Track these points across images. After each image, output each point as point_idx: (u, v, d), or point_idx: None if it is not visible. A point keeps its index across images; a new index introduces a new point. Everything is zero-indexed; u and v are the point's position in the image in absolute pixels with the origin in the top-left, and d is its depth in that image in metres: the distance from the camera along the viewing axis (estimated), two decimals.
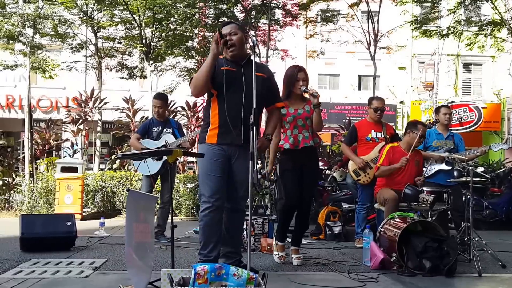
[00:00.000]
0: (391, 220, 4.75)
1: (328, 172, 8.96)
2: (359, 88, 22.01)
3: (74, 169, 8.73)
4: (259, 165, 9.56)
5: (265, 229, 5.63)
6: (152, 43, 12.01)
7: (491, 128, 19.99)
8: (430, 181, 5.61)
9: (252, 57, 3.74)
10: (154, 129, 6.14)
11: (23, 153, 11.82)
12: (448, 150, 5.68)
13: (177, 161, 8.80)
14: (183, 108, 13.24)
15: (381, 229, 4.79)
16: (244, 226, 4.47)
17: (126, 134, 13.28)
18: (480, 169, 8.35)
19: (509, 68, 14.67)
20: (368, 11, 12.18)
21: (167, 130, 6.14)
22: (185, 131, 6.94)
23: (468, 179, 4.94)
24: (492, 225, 8.27)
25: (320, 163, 7.92)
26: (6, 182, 9.94)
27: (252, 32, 12.15)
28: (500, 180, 9.39)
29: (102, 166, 13.76)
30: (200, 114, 11.74)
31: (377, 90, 13.90)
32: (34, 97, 16.72)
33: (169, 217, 5.05)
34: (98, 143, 13.57)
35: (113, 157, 12.75)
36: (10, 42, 11.78)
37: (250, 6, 12.00)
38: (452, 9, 11.75)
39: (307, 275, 4.19)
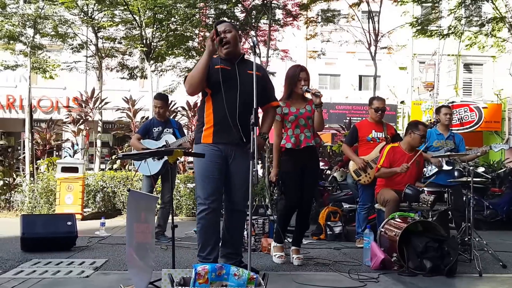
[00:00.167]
0: (392, 220, 4.75)
1: (328, 172, 8.97)
2: (360, 88, 22.01)
3: (74, 169, 8.73)
4: (259, 165, 9.55)
5: (265, 229, 5.63)
6: (152, 43, 12.01)
7: (491, 128, 19.99)
8: (430, 181, 5.61)
9: (245, 56, 3.75)
10: (154, 129, 6.14)
11: (24, 153, 11.82)
12: (448, 150, 5.68)
13: (177, 161, 8.81)
14: (183, 108, 13.25)
15: (382, 229, 4.79)
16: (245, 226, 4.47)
17: (127, 134, 13.28)
18: (480, 169, 8.37)
19: (509, 68, 14.67)
20: (368, 11, 12.16)
21: (167, 130, 6.15)
22: (185, 131, 6.95)
23: (468, 179, 4.95)
24: (493, 225, 8.27)
25: (321, 163, 7.93)
26: (6, 182, 9.95)
27: (252, 32, 12.14)
28: (501, 180, 9.39)
29: (102, 166, 13.77)
30: None
31: (378, 90, 13.87)
32: (34, 97, 16.72)
33: (170, 217, 5.05)
34: (98, 143, 13.57)
35: (113, 157, 12.76)
36: (11, 42, 11.79)
37: (250, 6, 11.98)
38: (452, 9, 11.74)
39: (308, 275, 4.19)
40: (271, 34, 12.14)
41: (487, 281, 4.21)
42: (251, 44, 3.65)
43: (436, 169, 5.75)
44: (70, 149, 12.35)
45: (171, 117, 9.37)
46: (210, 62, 3.74)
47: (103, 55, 13.69)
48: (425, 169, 5.76)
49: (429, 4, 13.01)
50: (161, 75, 14.43)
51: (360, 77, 22.07)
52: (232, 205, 3.92)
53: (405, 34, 15.02)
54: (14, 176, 10.21)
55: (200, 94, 3.98)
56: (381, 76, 18.52)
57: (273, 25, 12.31)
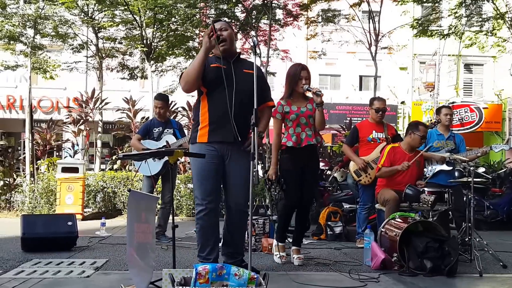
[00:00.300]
0: (392, 220, 4.75)
1: (329, 172, 8.96)
2: (360, 89, 22.02)
3: (75, 170, 8.73)
4: (259, 166, 9.55)
5: (266, 229, 5.63)
6: (153, 44, 12.01)
7: (492, 128, 20.00)
8: (431, 181, 5.61)
9: (245, 56, 3.74)
10: (155, 130, 6.13)
11: (24, 153, 11.82)
12: (449, 150, 5.68)
13: (178, 162, 8.81)
14: (184, 108, 13.25)
15: (382, 229, 4.79)
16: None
17: (127, 135, 13.29)
18: (481, 170, 8.36)
19: (510, 68, 14.69)
20: (369, 11, 12.18)
21: (168, 130, 6.15)
22: (186, 131, 6.94)
23: (469, 180, 4.95)
24: (493, 225, 8.26)
25: (321, 164, 7.93)
26: (7, 182, 9.95)
27: (252, 33, 12.15)
28: (501, 181, 9.38)
29: (103, 166, 13.77)
30: None
31: (378, 90, 13.87)
32: (35, 98, 16.72)
33: (170, 217, 5.05)
34: (99, 143, 13.57)
35: (114, 157, 12.76)
36: (11, 42, 11.78)
37: (251, 6, 11.99)
38: (453, 9, 11.75)
39: (308, 275, 4.19)
40: (272, 34, 12.15)
41: (487, 281, 4.20)
42: (252, 44, 3.64)
43: (438, 169, 5.74)
44: (70, 149, 12.35)
45: (172, 118, 9.38)
46: (206, 59, 3.73)
47: (103, 55, 13.69)
48: (425, 169, 5.76)
49: (430, 4, 13.01)
50: (162, 75, 14.43)
51: (361, 77, 22.08)
52: (231, 204, 3.91)
53: (405, 34, 15.04)
54: (15, 176, 10.21)
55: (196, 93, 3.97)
56: (381, 76, 18.52)
57: (274, 25, 12.31)
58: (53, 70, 12.89)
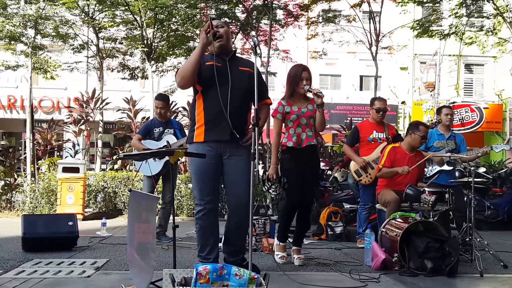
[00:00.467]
0: (393, 221, 4.75)
1: (329, 172, 8.96)
2: (361, 89, 22.02)
3: (75, 170, 8.73)
4: (260, 165, 9.56)
5: (266, 229, 5.63)
6: (153, 44, 12.02)
7: (492, 128, 19.99)
8: (432, 181, 5.60)
9: (245, 55, 3.73)
10: (155, 130, 6.14)
11: (25, 153, 11.83)
12: (449, 150, 5.68)
13: (178, 162, 8.81)
14: (184, 108, 13.25)
15: (383, 229, 4.79)
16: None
17: (128, 135, 13.29)
18: (481, 170, 8.36)
19: (511, 68, 14.67)
20: (369, 11, 12.18)
21: (168, 130, 6.15)
22: (186, 131, 6.93)
23: (469, 180, 4.95)
24: (494, 225, 8.26)
25: (322, 164, 7.92)
26: (8, 182, 9.96)
27: (253, 33, 12.15)
28: (502, 181, 9.38)
29: (103, 166, 13.78)
30: None
31: (379, 90, 13.87)
32: (35, 98, 16.73)
33: (171, 217, 5.06)
34: (99, 143, 13.58)
35: (114, 157, 12.77)
36: (12, 42, 11.79)
37: (251, 6, 11.99)
38: (453, 9, 11.75)
39: (309, 275, 4.19)
40: (272, 34, 12.15)
41: (488, 281, 4.20)
42: (252, 44, 3.63)
43: (437, 169, 5.74)
44: (71, 149, 12.35)
45: (172, 118, 9.38)
46: (203, 55, 3.72)
47: (104, 55, 13.70)
48: (426, 169, 5.76)
49: (430, 5, 13.00)
50: (162, 75, 14.44)
51: (361, 77, 22.08)
52: (232, 201, 3.90)
53: (406, 34, 15.04)
54: (15, 176, 10.22)
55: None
56: (382, 76, 18.54)
57: (274, 25, 12.31)
58: (53, 70, 12.90)
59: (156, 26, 11.79)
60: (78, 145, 13.73)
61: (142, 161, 5.85)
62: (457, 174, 6.73)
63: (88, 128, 13.70)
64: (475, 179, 4.96)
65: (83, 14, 12.66)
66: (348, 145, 6.02)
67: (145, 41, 11.81)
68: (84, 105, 13.26)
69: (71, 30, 12.85)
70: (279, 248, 4.79)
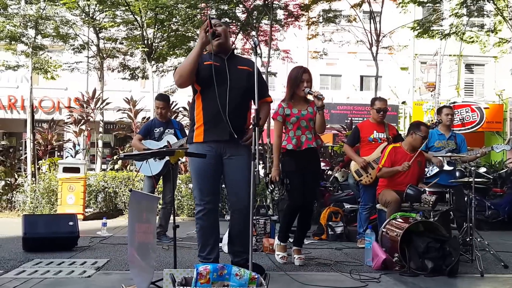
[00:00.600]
0: (393, 221, 4.75)
1: (330, 172, 8.96)
2: (361, 89, 22.02)
3: (76, 170, 8.74)
4: (261, 165, 9.55)
5: (267, 230, 5.63)
6: (154, 44, 12.02)
7: (493, 128, 19.99)
8: (431, 181, 5.60)
9: (245, 55, 3.72)
10: (156, 130, 6.14)
11: (26, 153, 11.84)
12: (450, 150, 5.68)
13: (179, 162, 8.81)
14: (185, 108, 13.26)
15: (383, 230, 4.79)
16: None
17: (128, 135, 13.31)
18: (482, 170, 8.36)
19: (511, 68, 14.66)
20: (370, 11, 12.18)
21: (169, 131, 6.15)
22: (187, 131, 6.94)
23: (470, 180, 4.95)
24: (494, 225, 8.26)
25: (322, 164, 7.92)
26: (8, 182, 9.96)
27: (253, 33, 12.15)
28: (502, 181, 9.38)
29: (104, 166, 13.79)
30: None
31: (379, 90, 13.87)
32: (36, 98, 16.73)
33: (171, 217, 5.06)
34: (100, 143, 13.59)
35: (115, 157, 12.77)
36: (12, 43, 11.79)
37: (252, 6, 11.99)
38: (453, 9, 11.75)
39: (309, 275, 4.19)
40: (272, 34, 12.15)
41: (488, 282, 4.20)
42: (253, 44, 3.62)
43: (438, 169, 5.74)
44: (71, 149, 12.35)
45: (173, 118, 9.39)
46: (202, 54, 3.70)
47: (104, 55, 13.71)
48: (426, 169, 5.76)
49: (430, 5, 13.00)
50: (162, 75, 14.45)
51: (362, 77, 22.08)
52: (234, 202, 3.90)
53: (406, 35, 15.03)
54: (16, 177, 10.23)
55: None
56: (382, 76, 18.53)
57: (274, 25, 12.31)
58: (54, 70, 12.90)
59: (156, 26, 11.79)
60: (79, 145, 13.74)
61: (143, 161, 5.85)
62: (457, 174, 6.73)
63: (89, 128, 13.70)
64: (476, 179, 4.97)
65: (84, 14, 12.67)
66: (349, 145, 6.03)
67: (145, 41, 11.82)
68: (85, 105, 13.27)
69: (72, 30, 12.86)
70: (280, 248, 4.80)
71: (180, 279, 2.78)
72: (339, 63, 21.09)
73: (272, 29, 12.02)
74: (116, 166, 11.87)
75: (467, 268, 4.56)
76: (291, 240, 4.99)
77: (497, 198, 8.81)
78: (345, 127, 13.10)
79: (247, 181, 3.65)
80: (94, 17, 12.81)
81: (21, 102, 20.02)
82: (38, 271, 4.10)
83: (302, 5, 12.75)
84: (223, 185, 4.02)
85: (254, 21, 11.97)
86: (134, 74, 14.28)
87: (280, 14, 12.82)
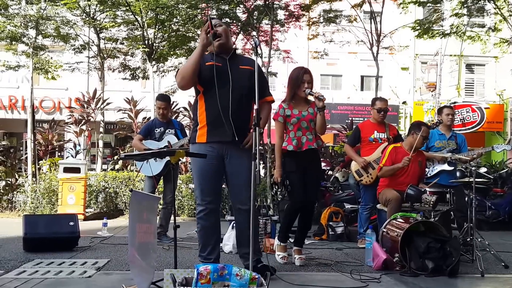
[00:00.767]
0: (394, 221, 4.75)
1: (330, 172, 8.96)
2: (362, 89, 22.02)
3: (76, 170, 8.74)
4: (261, 165, 9.53)
5: (267, 230, 5.63)
6: (154, 44, 12.03)
7: (494, 128, 19.98)
8: (431, 181, 5.60)
9: (244, 54, 3.71)
10: (156, 130, 6.14)
11: (26, 153, 11.84)
12: (450, 150, 5.68)
13: (179, 162, 8.82)
14: (185, 108, 13.27)
15: (384, 230, 4.79)
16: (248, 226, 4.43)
17: (129, 135, 13.32)
18: (482, 170, 8.35)
19: None
20: (370, 11, 12.18)
21: (169, 131, 6.16)
22: (187, 131, 6.95)
23: (470, 180, 4.94)
24: (495, 225, 8.25)
25: (323, 164, 7.93)
26: (9, 182, 9.96)
27: (254, 33, 12.14)
28: (503, 181, 9.37)
29: (104, 166, 13.79)
30: None
31: (380, 90, 13.87)
32: (36, 98, 16.74)
33: (172, 217, 5.06)
34: (100, 143, 13.59)
35: (115, 157, 12.78)
36: (13, 43, 11.80)
37: (252, 7, 11.99)
38: (454, 9, 11.74)
39: (310, 275, 4.19)
40: (273, 34, 12.14)
41: (489, 282, 4.20)
42: (253, 44, 3.62)
43: (438, 169, 5.74)
44: (72, 149, 12.36)
45: (173, 118, 9.39)
46: (203, 55, 3.70)
47: (105, 55, 13.72)
48: (427, 169, 5.76)
49: (431, 5, 12.99)
50: (163, 75, 14.46)
51: (362, 77, 22.08)
52: (237, 203, 3.89)
53: (407, 35, 15.03)
54: (17, 177, 10.22)
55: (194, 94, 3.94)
56: (383, 76, 18.53)
57: (275, 25, 12.31)
58: (55, 70, 12.90)
59: (157, 27, 11.80)
60: (79, 145, 13.75)
61: (143, 161, 5.86)
62: (458, 174, 6.72)
63: (89, 129, 13.71)
64: (476, 179, 4.97)
65: (84, 14, 12.68)
66: (349, 145, 6.03)
67: (146, 42, 11.82)
68: (85, 106, 13.28)
69: (72, 31, 12.87)
70: (280, 248, 4.79)
71: (180, 279, 2.78)
72: (339, 63, 21.09)
73: (273, 29, 12.01)
74: (117, 166, 11.88)
75: (467, 268, 4.55)
76: (291, 240, 4.99)
77: (497, 198, 8.81)
78: (346, 127, 13.10)
79: (249, 182, 3.64)
80: (94, 17, 12.82)
81: (22, 102, 20.05)
82: (38, 271, 4.11)
83: (303, 5, 12.74)
84: (223, 185, 4.01)
85: (255, 21, 11.97)
86: (134, 74, 14.29)
87: (281, 14, 12.82)
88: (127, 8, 11.42)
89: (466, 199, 5.84)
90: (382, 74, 15.93)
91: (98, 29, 13.05)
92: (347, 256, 5.23)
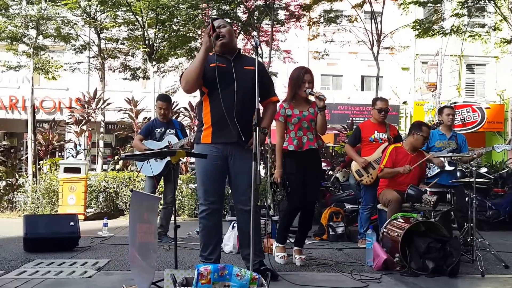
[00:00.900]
0: (394, 221, 4.75)
1: (330, 172, 8.96)
2: (362, 89, 22.02)
3: (77, 170, 8.74)
4: (261, 165, 9.54)
5: (268, 230, 5.63)
6: (155, 44, 12.03)
7: (494, 128, 19.97)
8: (432, 181, 5.60)
9: (244, 52, 3.72)
10: (157, 130, 6.14)
11: (27, 153, 11.84)
12: (451, 150, 5.68)
13: (180, 162, 8.82)
14: (186, 109, 13.27)
15: (384, 230, 4.79)
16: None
17: (129, 135, 13.31)
18: (483, 170, 8.35)
19: None
20: (371, 11, 12.18)
21: (170, 131, 6.16)
22: (188, 131, 6.95)
23: (471, 180, 4.94)
24: (495, 225, 8.25)
25: (323, 164, 7.93)
26: (9, 182, 9.96)
27: (254, 33, 12.14)
28: (503, 181, 9.36)
29: (105, 166, 13.79)
30: None
31: (380, 90, 13.86)
32: (37, 98, 16.76)
33: (172, 217, 5.06)
34: (101, 143, 13.59)
35: (116, 157, 12.78)
36: (14, 43, 11.80)
37: (253, 7, 11.99)
38: (454, 9, 11.74)
39: (310, 275, 4.19)
40: (274, 35, 12.14)
41: (489, 282, 4.20)
42: (254, 44, 3.62)
43: (438, 170, 5.74)
44: (72, 149, 12.38)
45: (174, 118, 9.39)
46: (207, 58, 3.69)
47: (105, 56, 13.72)
48: (427, 169, 5.76)
49: (431, 5, 12.99)
50: (164, 76, 14.46)
51: (363, 77, 22.07)
52: (239, 205, 3.88)
53: (407, 35, 15.02)
54: (17, 177, 10.22)
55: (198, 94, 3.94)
56: (383, 76, 18.53)
57: (276, 25, 12.31)
58: (55, 70, 12.88)
59: (157, 27, 11.79)
60: (80, 145, 13.76)
61: (144, 162, 5.86)
62: (458, 174, 6.72)
63: (90, 129, 13.71)
64: (477, 179, 4.97)
65: (85, 14, 12.68)
66: (350, 145, 6.02)
67: (146, 42, 11.82)
68: (86, 106, 13.28)
69: (73, 31, 12.87)
70: (279, 249, 4.79)
71: (181, 280, 2.78)
72: (340, 63, 21.08)
73: (273, 29, 12.01)
74: (117, 167, 11.88)
75: (468, 268, 4.55)
76: (291, 240, 4.99)
77: (498, 198, 8.80)
78: (346, 127, 13.09)
79: (250, 183, 3.64)
80: (95, 17, 12.82)
81: (22, 103, 20.05)
82: (39, 271, 4.11)
83: (303, 5, 12.74)
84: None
85: (255, 21, 11.97)
86: (135, 74, 14.29)
87: (282, 14, 12.82)
88: (128, 8, 11.42)
89: (467, 199, 5.85)
90: (382, 74, 15.93)
91: (98, 29, 13.06)
92: (348, 256, 5.23)
